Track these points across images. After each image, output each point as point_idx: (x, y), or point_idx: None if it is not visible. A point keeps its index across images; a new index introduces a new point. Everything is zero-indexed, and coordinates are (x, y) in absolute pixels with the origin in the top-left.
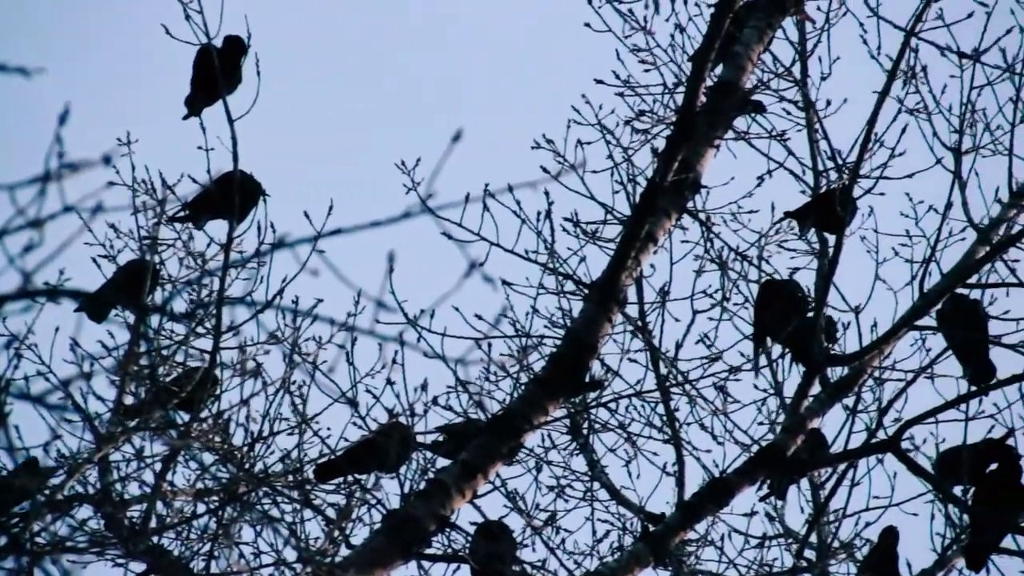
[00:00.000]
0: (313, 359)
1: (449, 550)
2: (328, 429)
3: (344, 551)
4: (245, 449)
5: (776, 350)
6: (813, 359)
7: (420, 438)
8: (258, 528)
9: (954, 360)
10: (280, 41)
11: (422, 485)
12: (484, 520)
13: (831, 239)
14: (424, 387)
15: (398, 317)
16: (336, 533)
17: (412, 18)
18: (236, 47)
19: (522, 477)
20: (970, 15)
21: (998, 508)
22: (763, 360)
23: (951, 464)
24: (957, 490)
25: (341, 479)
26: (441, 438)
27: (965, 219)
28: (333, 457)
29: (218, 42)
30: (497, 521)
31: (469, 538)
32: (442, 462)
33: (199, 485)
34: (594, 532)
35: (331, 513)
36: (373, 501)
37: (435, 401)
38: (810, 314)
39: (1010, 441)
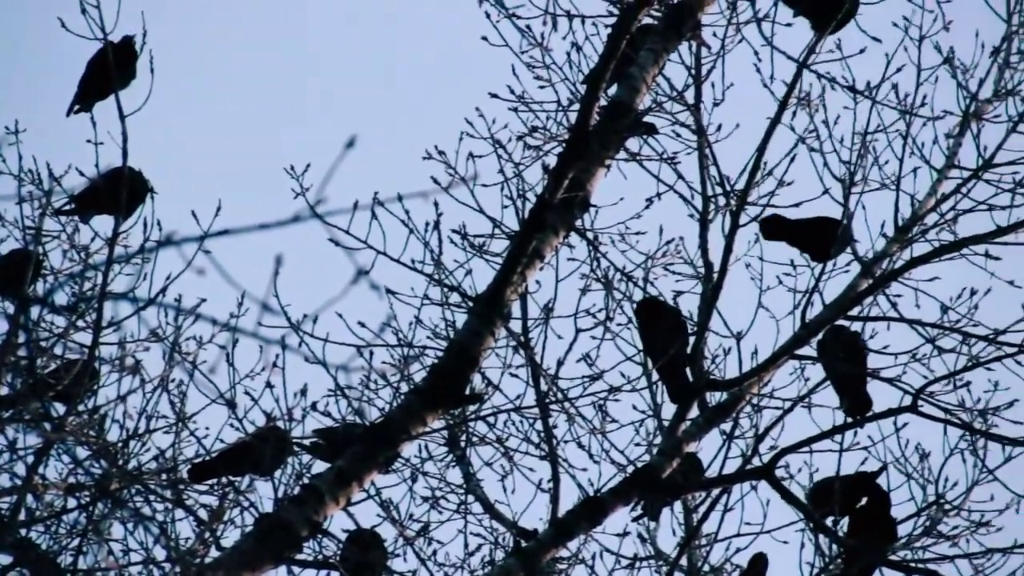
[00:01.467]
0: (193, 358)
1: (320, 556)
2: (205, 429)
3: (214, 552)
4: (120, 445)
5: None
6: (689, 385)
7: (297, 443)
8: (129, 526)
9: (832, 391)
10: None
11: (296, 490)
12: (357, 528)
13: (716, 264)
14: (304, 392)
15: (281, 321)
16: (207, 534)
17: (310, 21)
18: (130, 46)
19: (397, 487)
20: (862, 50)
21: (869, 540)
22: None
23: (823, 494)
24: (828, 520)
25: (215, 480)
26: (318, 443)
27: (850, 251)
28: (208, 458)
29: (115, 37)
30: (369, 530)
31: (340, 545)
32: (318, 467)
33: (71, 480)
34: (466, 545)
35: (203, 514)
36: (246, 504)
37: (314, 406)
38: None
39: (883, 477)
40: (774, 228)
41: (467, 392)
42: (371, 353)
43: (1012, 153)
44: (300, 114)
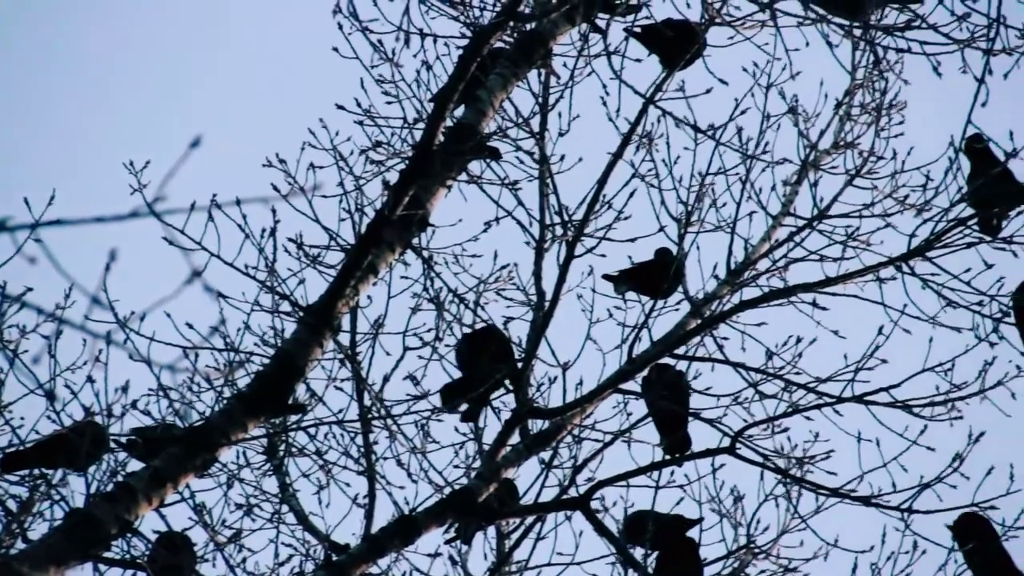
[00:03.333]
0: (15, 346)
1: (128, 556)
2: (21, 419)
3: (20, 545)
4: None
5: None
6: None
7: (114, 439)
8: None
9: (653, 427)
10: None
11: (110, 487)
12: (168, 530)
13: (549, 292)
14: (125, 389)
15: (109, 316)
16: (15, 526)
17: (162, 17)
18: None
19: (212, 491)
20: (709, 91)
21: None
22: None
23: (637, 527)
24: (639, 555)
25: (27, 471)
26: (135, 441)
27: (681, 291)
28: (22, 448)
29: None
30: (180, 533)
31: (150, 546)
32: (134, 466)
33: None
34: (276, 554)
35: (12, 505)
36: (57, 497)
37: (134, 404)
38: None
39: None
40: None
41: (290, 401)
42: (197, 355)
43: (847, 206)
44: (144, 110)
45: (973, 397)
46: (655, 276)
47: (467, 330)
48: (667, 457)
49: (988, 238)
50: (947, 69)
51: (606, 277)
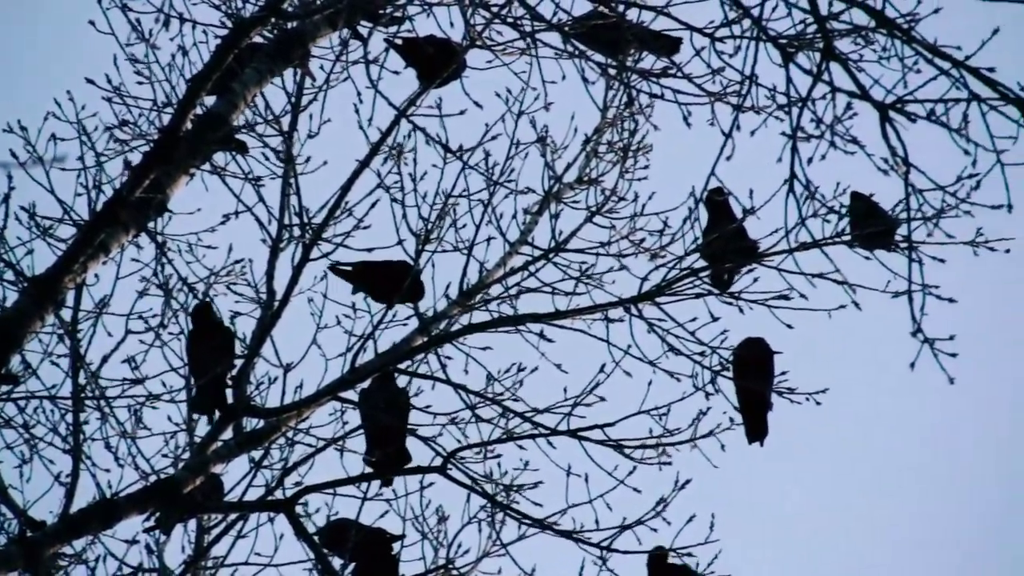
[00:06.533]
0: None
1: None
2: None
3: None
4: None
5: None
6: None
7: None
8: None
9: (362, 438)
10: None
11: None
12: None
13: (280, 292)
14: None
15: None
16: None
17: None
18: None
19: None
20: (463, 112)
21: None
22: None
23: (337, 537)
24: (337, 563)
25: None
26: None
27: (411, 306)
28: None
29: None
30: None
31: None
32: None
33: None
34: None
35: None
36: None
37: None
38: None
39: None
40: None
41: (3, 371)
42: None
43: (584, 242)
44: None
45: (684, 444)
46: (389, 283)
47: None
48: (372, 471)
49: (717, 291)
50: (697, 120)
51: (334, 268)
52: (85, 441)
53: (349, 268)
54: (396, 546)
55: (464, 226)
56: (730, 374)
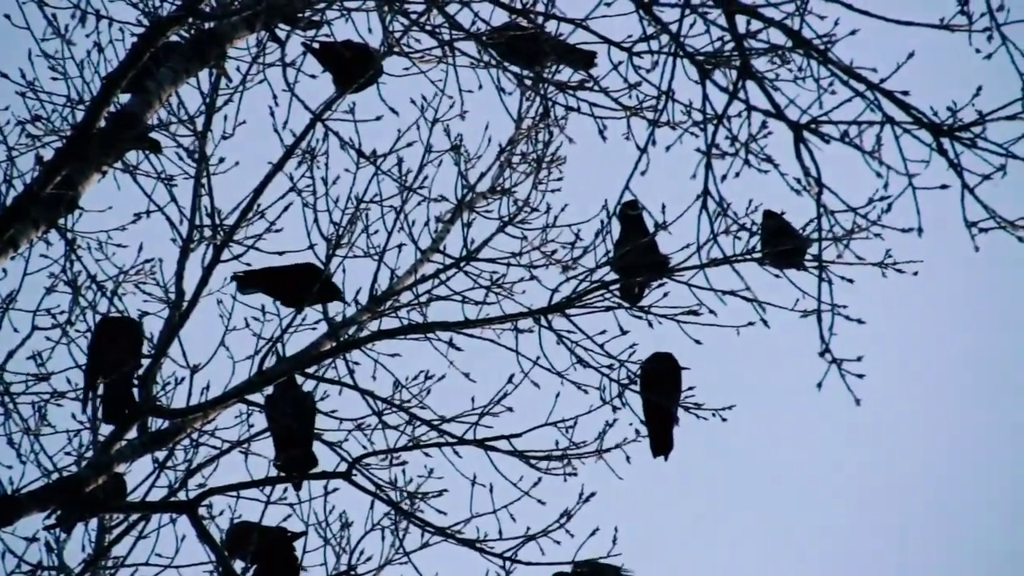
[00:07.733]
0: None
1: None
2: None
3: None
4: None
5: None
6: (130, 407)
7: None
8: None
9: (270, 442)
10: None
11: None
12: None
13: (189, 293)
14: None
15: None
16: None
17: None
18: None
19: None
20: (379, 118)
21: None
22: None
23: (240, 538)
24: (239, 566)
25: None
26: None
27: (321, 311)
28: None
29: None
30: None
31: None
32: None
33: None
34: None
35: None
36: None
37: None
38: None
39: (301, 539)
40: (251, 281)
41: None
42: None
43: (496, 252)
44: None
45: (590, 456)
46: (298, 287)
47: (99, 317)
48: (282, 475)
49: (627, 305)
50: (612, 133)
51: (236, 277)
52: None
53: (253, 275)
54: (298, 546)
55: (376, 232)
56: (637, 388)
